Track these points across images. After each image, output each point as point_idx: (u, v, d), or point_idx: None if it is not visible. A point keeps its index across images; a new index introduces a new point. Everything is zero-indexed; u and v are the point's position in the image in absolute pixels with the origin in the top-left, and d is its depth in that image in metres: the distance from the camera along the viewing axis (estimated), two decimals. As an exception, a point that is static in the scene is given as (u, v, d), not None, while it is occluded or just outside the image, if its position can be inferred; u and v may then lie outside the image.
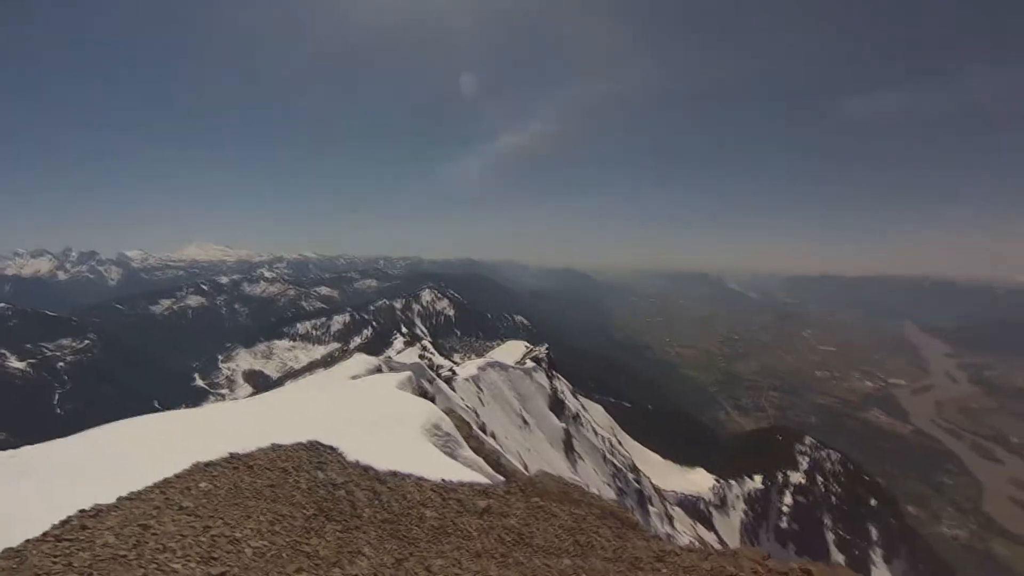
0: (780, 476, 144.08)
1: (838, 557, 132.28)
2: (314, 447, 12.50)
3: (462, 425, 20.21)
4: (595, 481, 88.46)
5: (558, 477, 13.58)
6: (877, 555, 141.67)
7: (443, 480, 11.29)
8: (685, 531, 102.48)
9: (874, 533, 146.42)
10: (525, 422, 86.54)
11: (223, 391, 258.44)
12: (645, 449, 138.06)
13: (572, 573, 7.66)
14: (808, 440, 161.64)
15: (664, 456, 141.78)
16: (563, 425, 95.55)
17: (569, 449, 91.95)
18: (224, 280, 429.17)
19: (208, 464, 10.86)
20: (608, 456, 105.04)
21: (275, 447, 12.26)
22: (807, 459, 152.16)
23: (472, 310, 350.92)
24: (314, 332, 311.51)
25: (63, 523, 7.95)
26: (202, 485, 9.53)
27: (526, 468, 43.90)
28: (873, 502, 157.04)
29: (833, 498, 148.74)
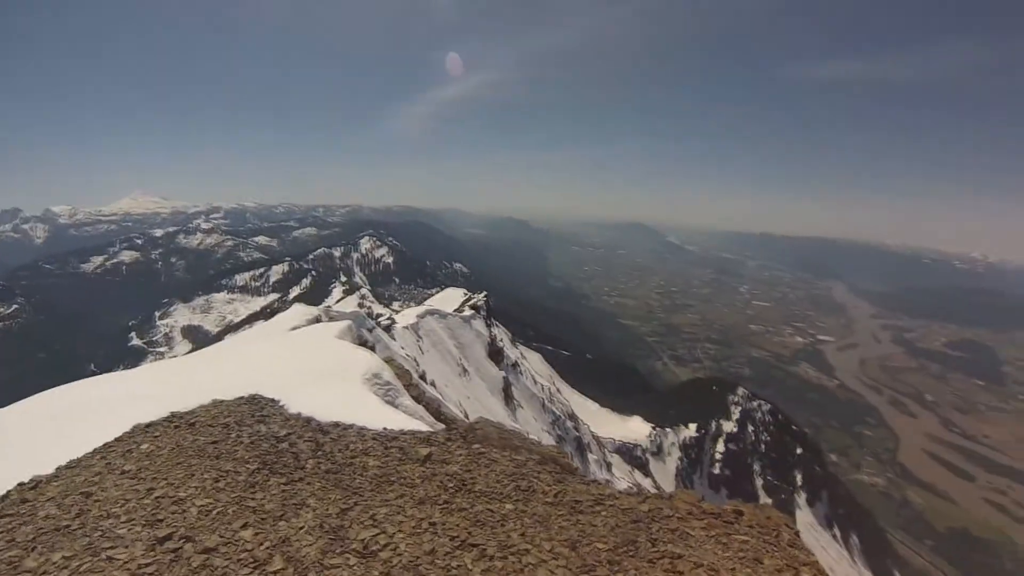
0: (714, 425, 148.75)
1: (766, 500, 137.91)
2: (256, 401, 12.41)
3: (402, 374, 20.24)
4: (535, 429, 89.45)
5: (498, 424, 13.68)
6: (801, 499, 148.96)
7: (384, 429, 11.26)
8: (623, 477, 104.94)
9: (799, 479, 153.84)
10: (465, 370, 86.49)
11: (162, 349, 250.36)
12: (583, 397, 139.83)
13: (514, 517, 7.80)
14: (741, 391, 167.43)
15: (602, 404, 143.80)
16: (502, 373, 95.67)
17: (508, 397, 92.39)
18: (159, 233, 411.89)
19: (149, 425, 10.70)
20: (547, 404, 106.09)
21: (216, 403, 12.15)
22: (739, 409, 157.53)
23: (411, 258, 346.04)
24: (253, 283, 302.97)
25: (2, 498, 7.83)
26: (144, 447, 9.43)
27: (466, 416, 44.26)
28: (799, 450, 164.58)
29: (762, 446, 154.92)
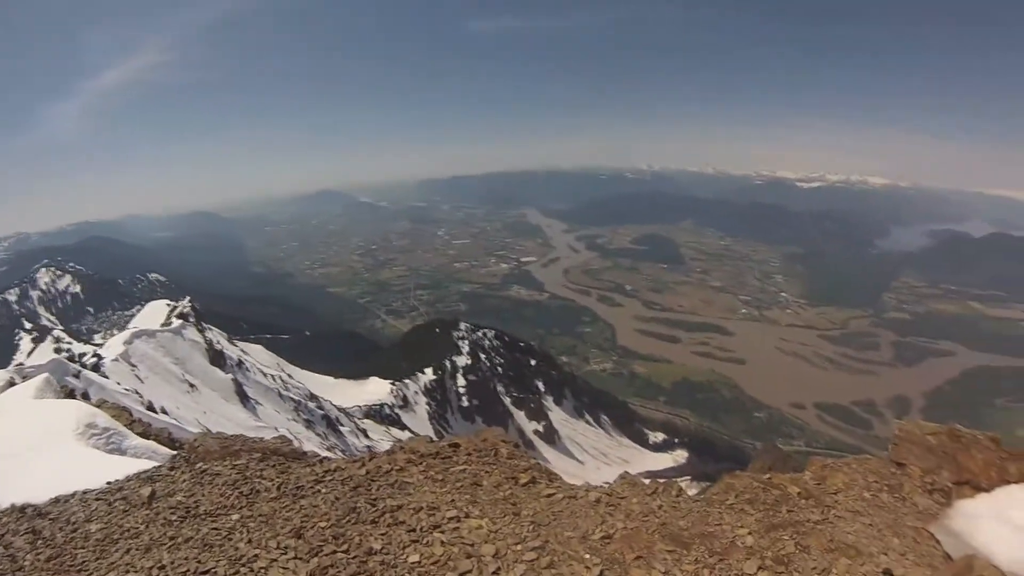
0: (448, 364, 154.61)
1: (519, 414, 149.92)
2: (-49, 513, 11.09)
3: (120, 414, 19.04)
4: (280, 421, 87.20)
5: (217, 434, 13.47)
6: (549, 402, 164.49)
7: (108, 483, 10.38)
8: (382, 438, 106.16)
9: (541, 386, 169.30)
10: (192, 385, 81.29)
11: None
12: (316, 375, 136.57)
13: (240, 527, 7.94)
14: (463, 326, 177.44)
15: (336, 376, 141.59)
16: (229, 376, 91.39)
17: (244, 399, 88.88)
18: None
19: None
20: (284, 393, 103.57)
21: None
22: (467, 343, 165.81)
23: (101, 280, 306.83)
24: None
25: None
26: None
27: (209, 433, 42.22)
28: (533, 362, 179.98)
29: (499, 369, 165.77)
